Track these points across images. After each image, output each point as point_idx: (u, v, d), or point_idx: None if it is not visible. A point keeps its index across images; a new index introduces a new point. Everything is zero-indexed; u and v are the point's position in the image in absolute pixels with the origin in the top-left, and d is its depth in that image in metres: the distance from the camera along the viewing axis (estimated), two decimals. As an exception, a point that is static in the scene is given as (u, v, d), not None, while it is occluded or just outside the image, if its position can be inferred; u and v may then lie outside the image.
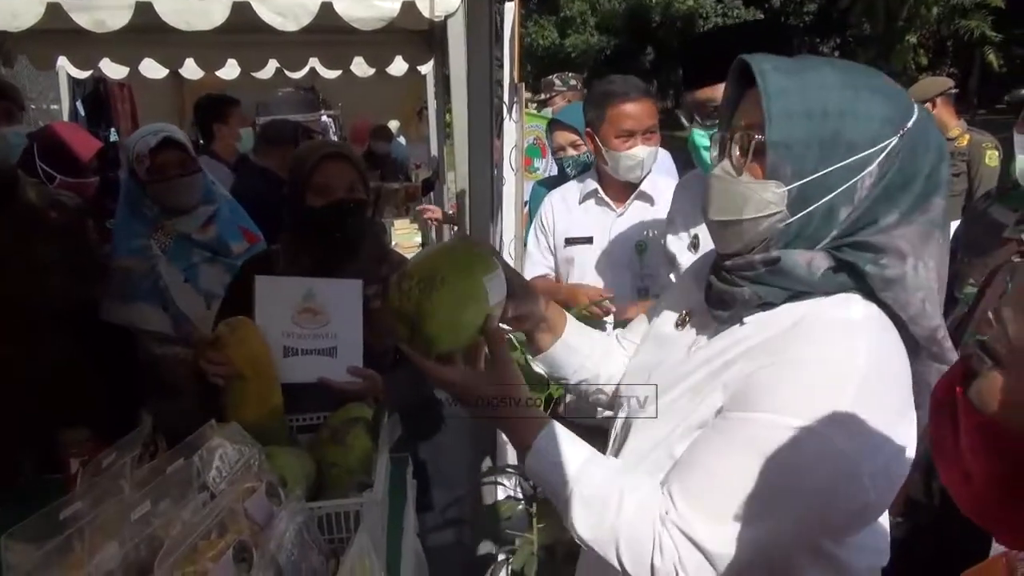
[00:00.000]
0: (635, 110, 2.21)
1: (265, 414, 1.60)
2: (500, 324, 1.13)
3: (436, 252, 1.14)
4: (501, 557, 2.29)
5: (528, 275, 2.46)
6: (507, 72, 2.84)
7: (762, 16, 23.61)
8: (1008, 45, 22.68)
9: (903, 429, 0.92)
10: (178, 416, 1.45)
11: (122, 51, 4.09)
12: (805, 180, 0.93)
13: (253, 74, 4.65)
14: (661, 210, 2.23)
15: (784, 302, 0.99)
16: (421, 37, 4.19)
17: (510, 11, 2.83)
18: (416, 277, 1.04)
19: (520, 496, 2.32)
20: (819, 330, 0.94)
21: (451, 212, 4.54)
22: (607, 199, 2.39)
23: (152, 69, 4.49)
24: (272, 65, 4.55)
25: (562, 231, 2.46)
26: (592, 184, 2.42)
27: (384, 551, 1.39)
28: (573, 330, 1.28)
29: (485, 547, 2.52)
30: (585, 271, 2.41)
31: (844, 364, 0.90)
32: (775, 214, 0.95)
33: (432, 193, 5.96)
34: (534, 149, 4.10)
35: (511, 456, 2.58)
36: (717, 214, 1.01)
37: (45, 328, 2.20)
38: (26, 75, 5.81)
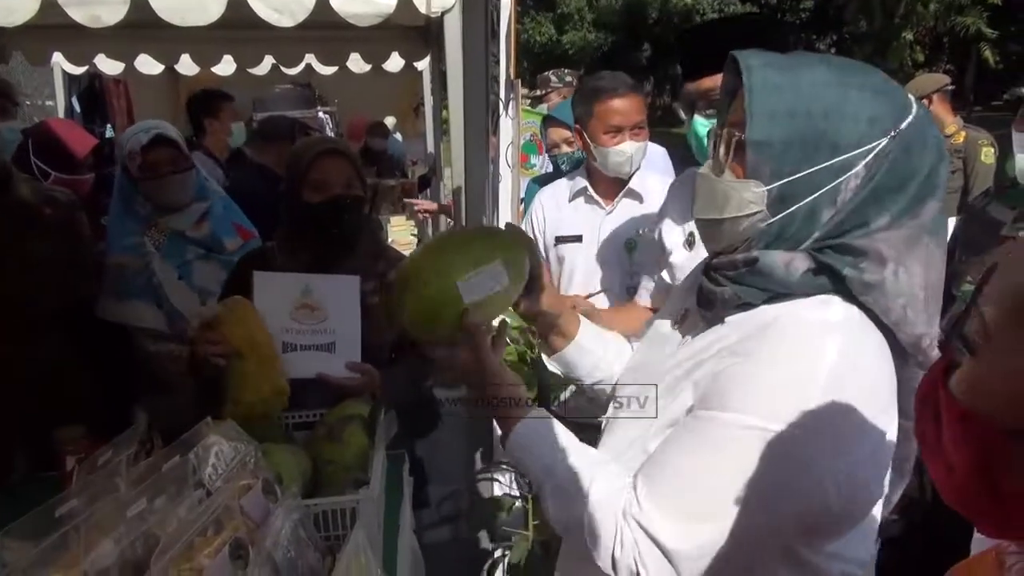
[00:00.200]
0: (622, 106, 2.20)
1: (267, 394, 1.60)
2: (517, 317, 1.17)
3: (431, 248, 1.23)
4: (497, 553, 2.29)
5: None
6: (503, 68, 2.84)
7: (758, 12, 23.63)
8: (1004, 42, 22.72)
9: (876, 435, 0.90)
10: (173, 413, 1.45)
11: (117, 47, 4.07)
12: (785, 180, 0.92)
13: (249, 70, 4.63)
14: (650, 207, 2.23)
15: (764, 303, 0.97)
16: (417, 33, 4.18)
17: (506, 7, 2.82)
18: (399, 275, 1.16)
19: (516, 492, 2.32)
20: (791, 330, 0.93)
21: (446, 203, 4.53)
22: (596, 197, 2.38)
23: (147, 65, 4.48)
24: (268, 61, 4.53)
25: (552, 229, 2.46)
26: (582, 182, 2.41)
27: (380, 548, 1.39)
28: (587, 332, 1.29)
29: (481, 543, 2.52)
30: (575, 270, 2.40)
31: (810, 364, 0.89)
32: (755, 214, 0.95)
33: (428, 189, 5.95)
34: (530, 145, 4.10)
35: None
36: (700, 212, 1.02)
37: (40, 325, 2.20)
38: (21, 71, 5.79)
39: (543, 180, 3.08)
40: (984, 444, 0.56)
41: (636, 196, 2.35)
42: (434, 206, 4.88)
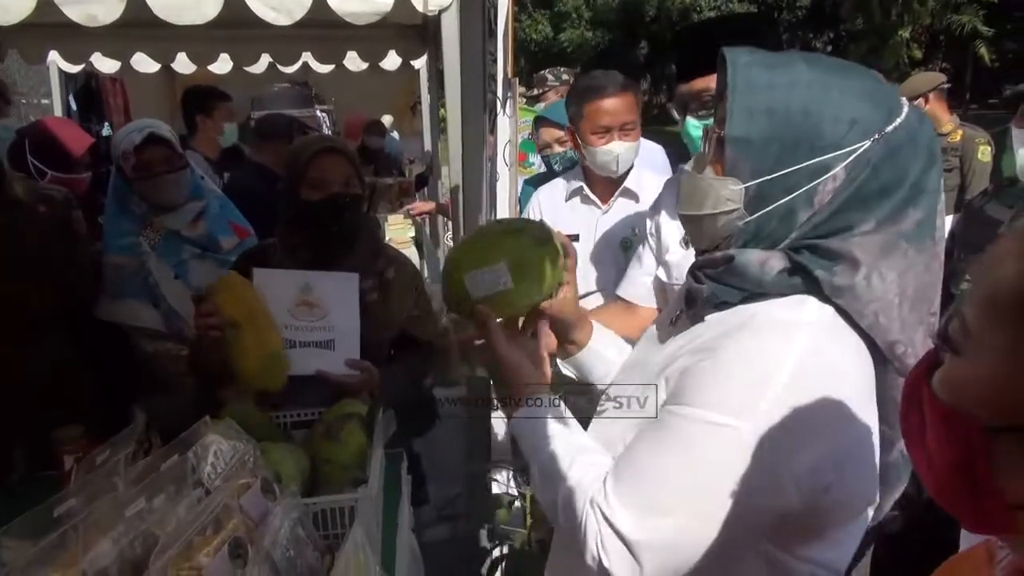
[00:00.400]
0: (612, 106, 2.20)
1: (266, 359, 1.65)
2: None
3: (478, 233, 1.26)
4: (496, 551, 2.30)
5: None
6: (501, 67, 2.83)
7: (755, 11, 23.65)
8: (1000, 40, 22.76)
9: (843, 436, 0.89)
10: (172, 412, 1.45)
11: (114, 45, 4.05)
12: (762, 179, 0.92)
13: (245, 68, 4.61)
14: (646, 206, 2.22)
15: (741, 302, 0.97)
16: (414, 31, 4.18)
17: (504, 5, 2.82)
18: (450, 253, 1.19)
19: (514, 491, 2.33)
20: (760, 328, 0.92)
21: (444, 203, 4.53)
22: (592, 196, 2.39)
23: (144, 63, 4.46)
24: (265, 59, 4.51)
25: None
26: (578, 182, 2.41)
27: (379, 546, 1.40)
28: (599, 337, 1.29)
29: (480, 541, 2.52)
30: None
31: (772, 362, 0.88)
32: (732, 211, 0.95)
33: (426, 188, 5.94)
34: (529, 144, 4.09)
35: (506, 451, 2.59)
36: (681, 208, 1.03)
37: (38, 325, 2.19)
38: (17, 69, 5.77)
39: (536, 181, 3.08)
40: (966, 442, 0.56)
41: (632, 195, 2.35)
42: (431, 207, 4.87)
